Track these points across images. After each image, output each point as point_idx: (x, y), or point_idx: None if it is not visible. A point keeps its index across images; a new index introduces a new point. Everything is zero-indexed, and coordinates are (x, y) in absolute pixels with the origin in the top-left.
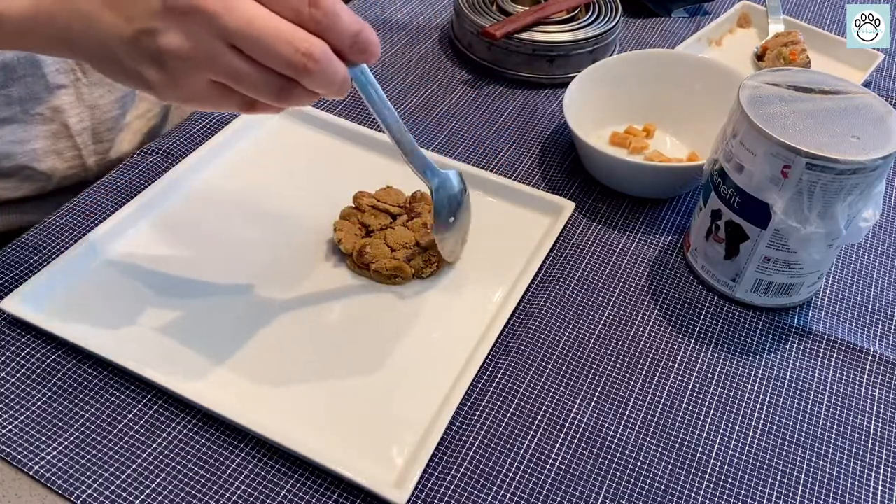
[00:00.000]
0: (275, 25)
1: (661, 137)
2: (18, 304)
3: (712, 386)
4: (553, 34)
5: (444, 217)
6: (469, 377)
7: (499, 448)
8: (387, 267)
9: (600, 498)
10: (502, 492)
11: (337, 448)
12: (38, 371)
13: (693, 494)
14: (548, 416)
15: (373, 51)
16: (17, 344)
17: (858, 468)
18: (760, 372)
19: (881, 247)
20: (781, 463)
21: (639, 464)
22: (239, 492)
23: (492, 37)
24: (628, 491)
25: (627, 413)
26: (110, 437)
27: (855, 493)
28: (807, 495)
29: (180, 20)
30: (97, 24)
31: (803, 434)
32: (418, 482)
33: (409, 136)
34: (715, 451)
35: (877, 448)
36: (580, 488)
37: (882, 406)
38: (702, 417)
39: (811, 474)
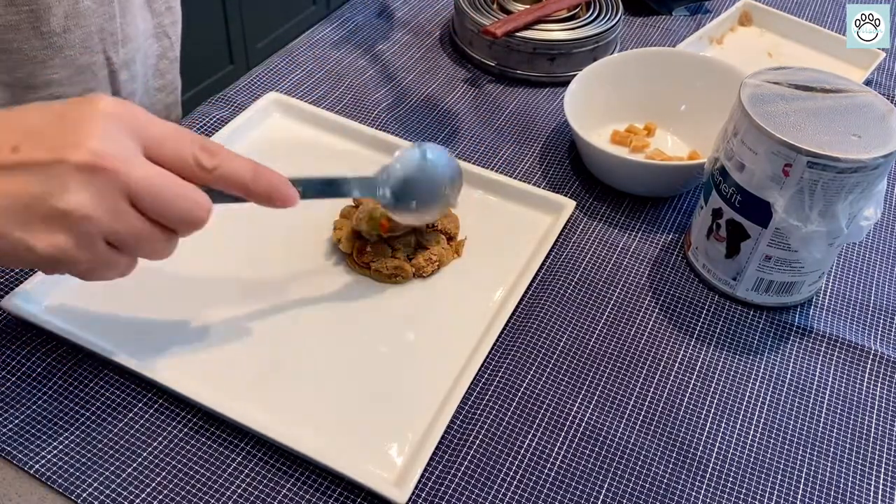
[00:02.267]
0: (173, 181)
1: (663, 136)
2: (19, 302)
3: (713, 385)
4: (554, 33)
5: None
6: (469, 376)
7: (499, 447)
8: (387, 266)
9: (601, 496)
10: (503, 491)
11: (337, 447)
12: (38, 371)
13: (693, 493)
14: (548, 414)
15: (279, 195)
16: (17, 343)
17: (858, 468)
18: (761, 371)
19: (882, 246)
20: (782, 462)
21: (639, 462)
22: (239, 491)
23: (493, 35)
24: (629, 489)
25: (628, 412)
26: (110, 436)
27: (855, 493)
28: (807, 495)
29: (86, 179)
30: None
31: (803, 433)
32: (419, 481)
33: (340, 181)
34: (715, 449)
35: (877, 448)
36: (581, 487)
37: (883, 406)
38: (702, 416)
39: (811, 474)
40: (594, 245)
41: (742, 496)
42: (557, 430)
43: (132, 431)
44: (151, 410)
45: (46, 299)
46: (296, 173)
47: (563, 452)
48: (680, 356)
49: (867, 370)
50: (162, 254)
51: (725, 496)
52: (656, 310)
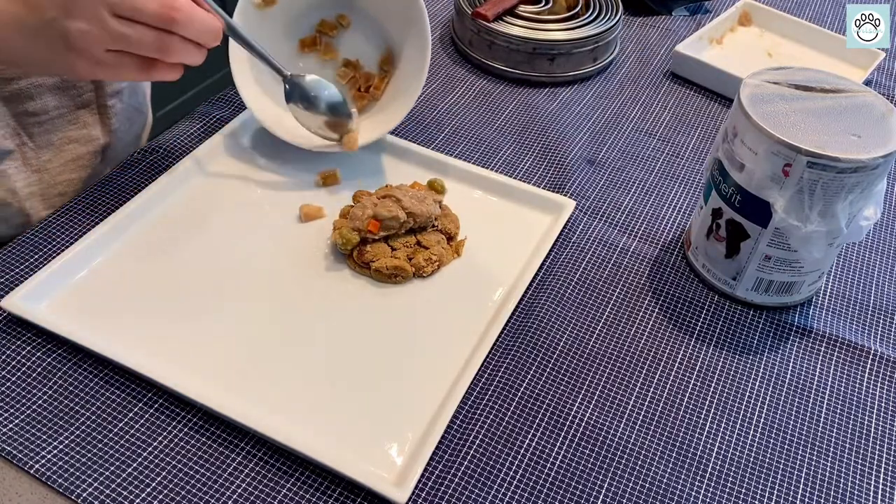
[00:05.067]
0: None
1: None
2: (19, 302)
3: (713, 384)
4: (554, 33)
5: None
6: (469, 376)
7: (499, 447)
8: (387, 266)
9: (601, 496)
10: (503, 490)
11: (337, 447)
12: (38, 370)
13: (693, 493)
14: (548, 414)
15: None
16: (17, 343)
17: (858, 468)
18: (761, 371)
19: (882, 245)
20: (781, 462)
21: (639, 462)
22: (239, 490)
23: (484, 18)
24: (629, 489)
25: (628, 411)
26: (111, 435)
27: (855, 493)
28: (807, 495)
29: (74, 4)
30: (14, 19)
31: (803, 433)
32: (419, 481)
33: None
34: (715, 449)
35: (877, 448)
36: (581, 486)
37: (882, 405)
38: (702, 416)
39: (811, 474)
40: (594, 245)
41: (742, 496)
42: (557, 430)
43: (132, 431)
44: (151, 410)
45: (46, 299)
46: (296, 173)
47: (563, 452)
48: (680, 356)
49: (867, 370)
50: (164, 51)
51: (725, 495)
52: (656, 310)
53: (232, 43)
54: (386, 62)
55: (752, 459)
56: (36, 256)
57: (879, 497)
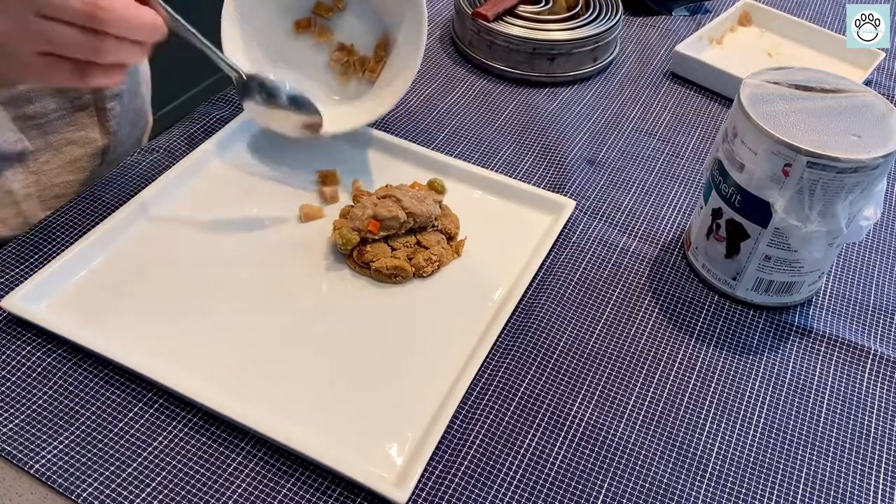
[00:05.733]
0: None
1: None
2: (19, 302)
3: (713, 384)
4: (554, 33)
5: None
6: (469, 376)
7: (499, 447)
8: (387, 266)
9: (601, 496)
10: (503, 490)
11: (337, 447)
12: (38, 370)
13: (693, 493)
14: (548, 414)
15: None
16: (17, 343)
17: (858, 468)
18: (761, 371)
19: (882, 245)
20: (781, 462)
21: (639, 462)
22: (239, 490)
23: (484, 18)
24: (629, 489)
25: (628, 411)
26: (111, 435)
27: (855, 493)
28: (807, 495)
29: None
30: None
31: (803, 433)
32: (419, 481)
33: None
34: (715, 449)
35: (877, 448)
36: (581, 486)
37: (882, 405)
38: (702, 416)
39: (811, 474)
40: (594, 245)
41: (742, 495)
42: (557, 430)
43: (132, 431)
44: (151, 410)
45: (46, 299)
46: (296, 173)
47: (563, 452)
48: (680, 356)
49: (867, 370)
50: (99, 52)
51: (725, 495)
52: (656, 310)
53: (224, 29)
54: (381, 47)
55: (752, 459)
56: (36, 256)
57: (879, 497)
